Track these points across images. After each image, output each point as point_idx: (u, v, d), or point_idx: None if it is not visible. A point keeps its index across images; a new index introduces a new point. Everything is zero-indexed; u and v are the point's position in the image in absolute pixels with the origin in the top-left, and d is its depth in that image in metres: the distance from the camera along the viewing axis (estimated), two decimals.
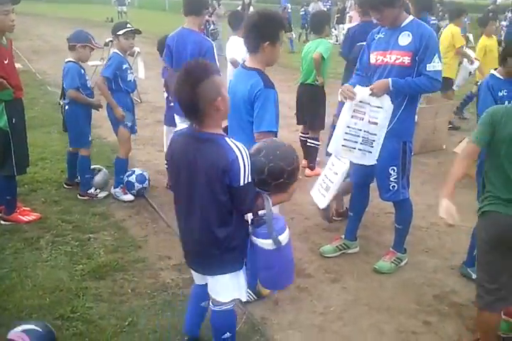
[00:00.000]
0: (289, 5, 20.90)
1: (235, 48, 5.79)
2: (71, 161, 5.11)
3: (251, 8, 15.72)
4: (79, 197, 4.97)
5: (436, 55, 3.35)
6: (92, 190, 5.01)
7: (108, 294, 3.44)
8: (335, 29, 22.46)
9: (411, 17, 3.48)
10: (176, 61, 4.63)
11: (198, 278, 2.73)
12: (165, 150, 4.81)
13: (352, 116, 3.52)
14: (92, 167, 5.06)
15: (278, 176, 2.33)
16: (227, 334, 2.64)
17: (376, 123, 3.46)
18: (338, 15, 22.04)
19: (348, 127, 3.53)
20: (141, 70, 6.41)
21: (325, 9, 22.68)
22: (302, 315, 3.33)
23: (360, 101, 3.48)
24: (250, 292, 3.35)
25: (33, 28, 21.88)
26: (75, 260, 3.83)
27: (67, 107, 4.84)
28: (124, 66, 4.83)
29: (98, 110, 4.96)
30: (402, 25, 3.43)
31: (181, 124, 4.70)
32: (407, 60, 3.38)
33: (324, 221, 4.45)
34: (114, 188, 5.05)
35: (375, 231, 4.50)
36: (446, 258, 4.07)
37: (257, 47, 2.97)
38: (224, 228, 2.37)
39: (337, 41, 20.98)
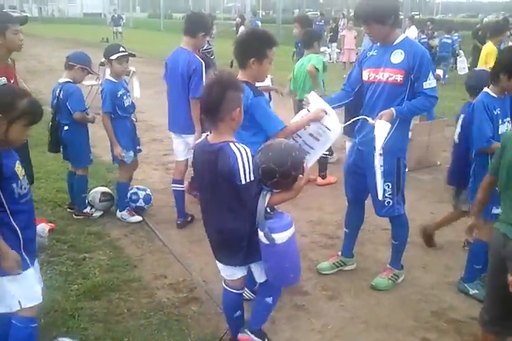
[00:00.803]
0: (259, 23, 21.23)
1: None
2: (80, 185, 5.01)
3: (242, 28, 15.92)
4: (74, 216, 4.95)
5: (431, 73, 3.39)
6: (87, 209, 4.99)
7: (103, 314, 3.40)
8: (328, 47, 22.69)
9: (403, 35, 3.52)
10: (170, 79, 4.69)
11: (234, 272, 2.92)
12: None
13: (380, 154, 3.39)
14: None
15: (271, 176, 2.49)
16: (269, 299, 2.97)
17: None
18: (331, 33, 22.29)
19: (381, 166, 3.41)
20: (137, 89, 6.45)
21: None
22: (299, 333, 3.30)
23: (386, 138, 3.37)
24: (248, 291, 3.45)
25: (28, 48, 22.00)
26: (70, 280, 3.80)
27: (66, 128, 4.76)
28: (119, 93, 4.71)
29: (93, 122, 4.92)
30: (395, 43, 3.46)
31: (175, 140, 4.82)
32: (399, 77, 3.40)
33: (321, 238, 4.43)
34: (120, 212, 4.99)
35: (372, 247, 4.49)
36: (443, 274, 4.06)
37: (245, 63, 3.19)
38: (242, 222, 2.64)
39: (330, 59, 21.20)
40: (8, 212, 2.46)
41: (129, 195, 5.04)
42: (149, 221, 4.95)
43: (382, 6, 3.38)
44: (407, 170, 3.72)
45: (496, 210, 3.35)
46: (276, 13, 32.91)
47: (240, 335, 3.09)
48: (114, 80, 4.74)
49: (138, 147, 5.07)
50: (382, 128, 3.32)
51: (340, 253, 4.12)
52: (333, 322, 3.43)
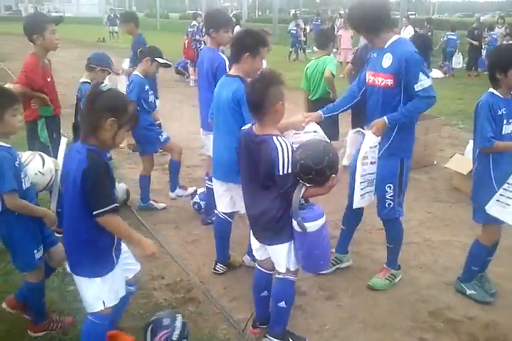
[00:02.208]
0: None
1: None
2: None
3: (237, 27, 15.87)
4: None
5: (421, 73, 3.33)
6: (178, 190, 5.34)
7: None
8: None
9: (396, 37, 3.50)
10: (199, 78, 4.83)
11: (259, 253, 3.13)
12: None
13: (362, 164, 3.43)
14: None
15: (307, 172, 2.71)
16: (282, 303, 3.06)
17: (375, 162, 3.46)
18: None
19: (362, 176, 3.45)
20: None
21: (309, 28, 23.07)
22: (297, 333, 3.28)
23: (371, 147, 3.42)
24: (221, 264, 3.94)
25: (24, 48, 21.97)
26: (66, 281, 3.78)
27: None
28: (146, 87, 4.94)
29: None
30: (386, 46, 3.47)
31: (205, 137, 4.84)
32: (390, 82, 3.42)
33: None
34: (144, 203, 5.26)
35: (369, 247, 4.49)
36: (439, 274, 4.06)
37: (239, 57, 3.49)
38: (271, 206, 2.87)
39: None
40: None
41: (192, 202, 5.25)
42: (146, 222, 4.94)
43: (370, 14, 3.41)
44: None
45: None
46: (273, 12, 32.88)
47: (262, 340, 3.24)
48: (141, 76, 4.94)
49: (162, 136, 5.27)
50: (369, 140, 3.39)
51: (334, 250, 4.11)
52: (331, 322, 3.43)
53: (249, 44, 3.46)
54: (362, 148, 3.40)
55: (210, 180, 4.97)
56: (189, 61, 14.00)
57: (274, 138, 2.79)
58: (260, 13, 67.57)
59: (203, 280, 3.90)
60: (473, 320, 3.48)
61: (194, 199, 5.24)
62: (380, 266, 3.97)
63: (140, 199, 5.31)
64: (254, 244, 3.14)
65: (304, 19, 24.11)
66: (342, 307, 3.61)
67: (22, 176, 2.89)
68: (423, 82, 3.34)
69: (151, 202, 5.30)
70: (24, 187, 2.90)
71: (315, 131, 3.43)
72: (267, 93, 2.76)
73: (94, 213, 2.43)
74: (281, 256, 2.98)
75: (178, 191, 5.61)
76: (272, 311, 3.18)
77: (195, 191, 5.44)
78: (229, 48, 3.68)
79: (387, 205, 3.63)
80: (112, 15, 31.54)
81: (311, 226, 2.78)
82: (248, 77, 3.41)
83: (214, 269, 4.01)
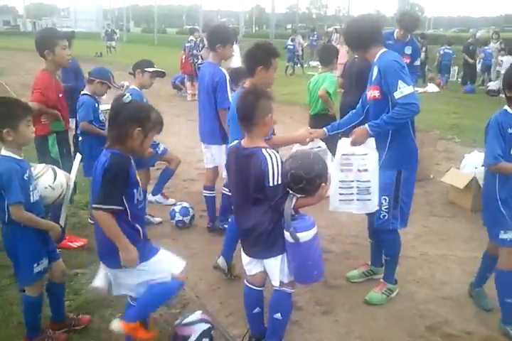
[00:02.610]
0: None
1: None
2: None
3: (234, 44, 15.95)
4: (89, 221, 5.03)
5: (400, 81, 3.33)
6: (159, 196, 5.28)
7: (95, 331, 3.36)
8: None
9: (383, 49, 3.56)
10: (200, 92, 4.93)
11: (249, 267, 3.13)
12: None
13: (341, 170, 3.51)
14: None
15: (298, 181, 2.77)
16: (278, 315, 3.08)
17: (366, 170, 3.48)
18: None
19: (340, 181, 3.52)
20: None
21: (306, 43, 23.24)
22: None
23: (344, 154, 3.50)
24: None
25: (21, 62, 22.08)
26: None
27: (80, 138, 4.95)
28: (144, 100, 4.92)
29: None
30: (375, 59, 3.56)
31: (204, 149, 5.04)
32: (376, 93, 3.49)
33: None
34: (154, 196, 5.39)
35: (365, 262, 4.47)
36: (436, 289, 4.05)
37: (254, 71, 3.62)
38: (263, 219, 2.91)
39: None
40: (129, 215, 2.72)
41: (174, 221, 5.21)
42: None
43: (360, 34, 3.52)
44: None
45: (503, 235, 3.30)
46: (270, 27, 33.18)
47: None
48: (138, 90, 4.99)
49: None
50: (341, 147, 3.50)
51: (369, 262, 4.16)
52: (328, 338, 3.41)
53: (261, 57, 3.62)
54: (336, 155, 3.52)
55: (207, 189, 5.02)
56: (186, 76, 14.08)
57: (263, 150, 2.86)
58: (257, 28, 68.13)
59: (199, 295, 3.88)
60: (470, 334, 3.46)
61: (176, 218, 5.17)
62: (377, 281, 3.95)
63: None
64: (245, 258, 3.15)
65: (300, 34, 24.29)
66: (339, 322, 3.59)
67: (30, 189, 2.94)
68: (403, 90, 3.33)
69: (147, 216, 5.27)
70: (32, 200, 2.94)
71: (319, 147, 3.50)
72: (257, 105, 2.85)
73: (92, 205, 2.60)
74: (275, 269, 3.00)
75: (159, 198, 5.63)
76: (269, 323, 3.18)
77: (174, 204, 5.41)
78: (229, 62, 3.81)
79: (381, 217, 3.64)
80: (110, 31, 31.81)
81: (304, 236, 2.82)
82: (265, 87, 3.48)
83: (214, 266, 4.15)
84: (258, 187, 2.85)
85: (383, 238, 3.79)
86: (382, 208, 3.60)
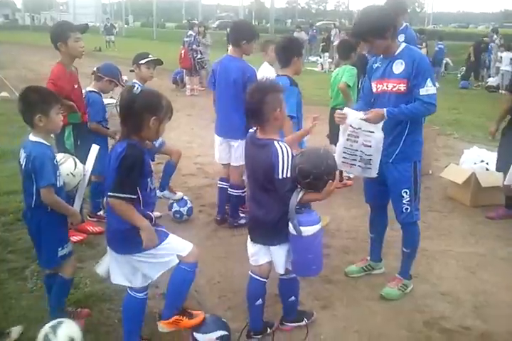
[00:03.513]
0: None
1: (265, 73, 5.98)
2: (95, 190, 5.06)
3: None
4: (88, 218, 5.03)
5: (429, 80, 3.39)
6: (101, 212, 5.08)
7: (94, 325, 3.37)
8: (320, 57, 22.86)
9: (403, 44, 3.55)
10: (219, 84, 4.92)
11: (256, 257, 3.19)
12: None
13: (347, 139, 3.60)
14: None
15: (305, 176, 2.79)
16: (292, 298, 3.29)
17: (370, 146, 3.54)
18: (324, 43, 22.44)
19: (345, 148, 3.61)
20: None
21: (308, 38, 23.23)
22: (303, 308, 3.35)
23: (351, 126, 3.56)
24: None
25: (20, 56, 22.03)
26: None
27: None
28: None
29: (115, 138, 4.95)
30: (396, 53, 3.51)
31: (221, 144, 5.05)
32: (402, 87, 3.46)
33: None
34: (161, 192, 5.29)
35: (364, 257, 4.48)
36: (435, 284, 4.06)
37: (290, 60, 4.33)
38: (271, 208, 2.99)
39: (322, 69, 21.33)
40: (141, 203, 2.78)
41: (172, 212, 5.20)
42: None
43: (379, 20, 3.40)
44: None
45: None
46: (270, 22, 33.10)
47: (281, 327, 3.41)
48: (141, 84, 4.88)
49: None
50: (352, 118, 3.56)
51: (368, 257, 4.17)
52: (326, 332, 3.42)
53: (295, 49, 4.35)
54: (345, 125, 3.58)
55: (234, 188, 5.07)
56: (185, 70, 14.04)
57: (275, 142, 2.89)
58: (257, 23, 67.90)
59: (198, 290, 3.88)
60: (468, 329, 3.48)
61: (174, 208, 5.19)
62: (375, 275, 3.96)
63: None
64: (251, 249, 3.20)
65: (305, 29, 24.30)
66: (337, 317, 3.60)
67: (57, 174, 3.08)
68: (429, 88, 3.39)
69: (167, 192, 5.34)
70: (58, 185, 3.07)
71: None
72: (264, 101, 2.85)
73: (109, 194, 2.65)
74: (281, 257, 3.08)
75: (167, 193, 5.51)
76: (284, 306, 3.37)
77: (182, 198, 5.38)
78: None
79: (404, 210, 3.66)
80: (109, 25, 31.72)
81: (307, 230, 2.85)
82: (295, 75, 4.38)
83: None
84: (267, 178, 2.91)
85: (407, 230, 3.80)
86: (404, 201, 3.63)
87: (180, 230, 5.00)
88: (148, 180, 2.82)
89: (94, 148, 3.67)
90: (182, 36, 15.60)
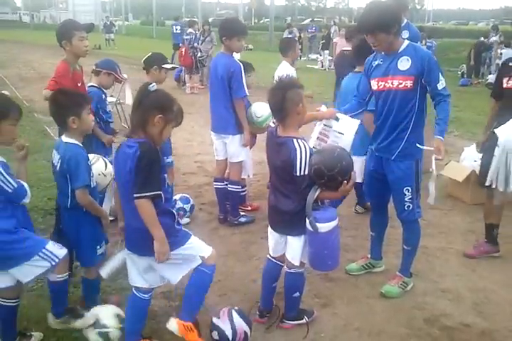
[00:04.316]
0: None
1: (284, 72, 5.94)
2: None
3: None
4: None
5: (440, 74, 3.46)
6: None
7: None
8: (320, 55, 22.82)
9: (407, 42, 3.55)
10: (211, 81, 5.06)
11: (275, 249, 3.30)
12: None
13: (317, 138, 3.63)
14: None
15: (320, 177, 2.90)
16: (297, 294, 3.30)
17: (326, 142, 3.59)
18: (323, 41, 22.40)
19: (313, 147, 3.52)
20: (129, 96, 6.46)
21: (308, 35, 23.20)
22: (305, 307, 3.37)
23: (325, 124, 3.61)
24: None
25: (20, 55, 21.99)
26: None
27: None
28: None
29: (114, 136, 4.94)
30: (400, 50, 3.50)
31: (216, 140, 5.11)
32: (409, 83, 3.45)
33: None
34: None
35: (364, 255, 4.48)
36: (435, 281, 4.06)
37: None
38: (288, 201, 3.11)
39: (322, 67, 21.31)
40: (163, 198, 2.79)
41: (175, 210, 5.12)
42: None
43: (386, 15, 3.41)
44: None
45: None
46: (269, 20, 33.06)
47: (281, 324, 3.46)
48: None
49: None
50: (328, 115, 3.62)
51: (369, 255, 4.18)
52: (326, 330, 3.42)
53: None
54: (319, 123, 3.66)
55: (234, 184, 5.07)
56: (184, 68, 14.01)
57: (295, 140, 2.98)
58: (256, 20, 67.84)
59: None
60: (468, 327, 3.48)
61: (178, 205, 5.16)
62: (375, 273, 3.96)
63: None
64: (271, 238, 3.32)
65: (300, 27, 24.27)
66: (338, 315, 3.60)
67: (91, 175, 3.13)
68: (442, 81, 3.46)
69: None
70: (92, 186, 3.12)
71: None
72: (285, 97, 2.96)
73: (134, 195, 2.64)
74: (297, 248, 3.16)
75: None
76: (287, 301, 3.40)
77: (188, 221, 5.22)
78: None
79: (405, 208, 3.67)
80: (108, 23, 31.66)
81: (323, 227, 2.95)
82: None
83: None
84: (287, 174, 3.01)
85: (408, 228, 3.81)
86: (406, 199, 3.64)
87: None
88: (165, 175, 2.87)
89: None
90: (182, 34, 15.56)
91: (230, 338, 3.10)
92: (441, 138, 3.49)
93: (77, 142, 3.09)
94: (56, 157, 3.09)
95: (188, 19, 23.36)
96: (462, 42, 24.16)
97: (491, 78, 15.84)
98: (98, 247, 3.23)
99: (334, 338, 3.34)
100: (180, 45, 14.52)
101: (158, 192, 2.70)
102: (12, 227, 2.83)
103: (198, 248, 2.98)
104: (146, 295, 3.05)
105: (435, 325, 3.49)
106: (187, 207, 5.19)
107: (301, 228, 3.06)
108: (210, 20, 17.46)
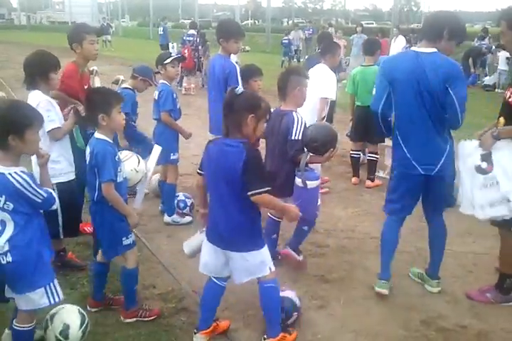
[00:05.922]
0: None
1: (320, 72, 5.87)
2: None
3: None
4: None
5: None
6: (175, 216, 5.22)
7: (92, 325, 3.36)
8: None
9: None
10: (209, 84, 5.15)
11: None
12: None
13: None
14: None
15: (314, 141, 3.71)
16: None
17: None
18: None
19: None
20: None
21: (304, 37, 23.25)
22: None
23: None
24: None
25: (16, 56, 21.89)
26: None
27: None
28: (175, 95, 5.06)
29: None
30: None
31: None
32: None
33: None
34: (170, 216, 5.19)
35: (361, 256, 4.49)
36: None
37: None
38: (286, 168, 3.94)
39: None
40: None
41: (175, 201, 5.28)
42: (138, 230, 4.90)
43: (454, 22, 3.57)
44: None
45: None
46: (266, 22, 33.08)
47: (282, 250, 4.19)
48: (168, 84, 5.08)
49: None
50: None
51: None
52: (323, 332, 3.42)
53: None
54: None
55: None
56: (182, 69, 13.92)
57: (294, 113, 3.91)
58: (253, 22, 67.84)
59: (196, 290, 3.88)
60: (465, 328, 3.49)
61: (179, 198, 5.31)
62: (373, 275, 3.96)
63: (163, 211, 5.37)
64: None
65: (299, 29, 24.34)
66: (334, 317, 3.60)
67: (118, 170, 3.23)
68: None
69: (175, 216, 5.25)
70: (118, 180, 3.22)
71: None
72: (287, 80, 3.97)
73: (249, 193, 2.84)
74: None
75: (175, 217, 5.22)
76: (296, 232, 4.12)
77: (191, 222, 5.20)
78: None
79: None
80: (105, 24, 31.62)
81: (311, 184, 3.79)
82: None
83: None
84: (283, 139, 3.82)
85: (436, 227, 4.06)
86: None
87: (178, 229, 5.00)
88: None
89: (157, 149, 3.89)
90: (179, 35, 15.53)
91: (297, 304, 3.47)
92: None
93: (107, 138, 3.22)
94: (87, 152, 3.23)
95: (189, 21, 23.36)
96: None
97: (488, 80, 15.87)
98: (124, 238, 3.33)
99: (331, 340, 3.35)
100: (180, 45, 14.44)
101: (269, 188, 2.91)
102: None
103: (269, 257, 3.12)
104: (224, 283, 3.22)
105: (432, 327, 3.50)
106: (188, 201, 5.31)
107: (289, 191, 3.88)
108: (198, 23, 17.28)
